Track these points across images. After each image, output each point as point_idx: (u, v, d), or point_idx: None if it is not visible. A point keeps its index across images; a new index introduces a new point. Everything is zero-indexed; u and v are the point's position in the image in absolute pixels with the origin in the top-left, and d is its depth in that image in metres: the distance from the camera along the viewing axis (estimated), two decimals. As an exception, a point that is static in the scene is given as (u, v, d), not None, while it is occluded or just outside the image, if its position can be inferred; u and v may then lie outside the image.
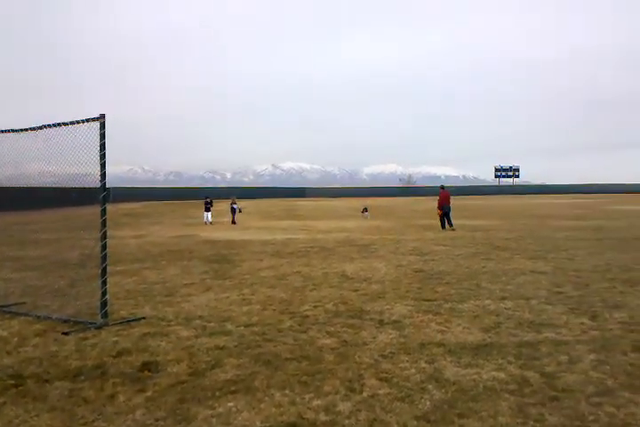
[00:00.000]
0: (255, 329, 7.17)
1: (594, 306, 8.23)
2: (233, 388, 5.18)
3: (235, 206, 28.11)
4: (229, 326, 7.33)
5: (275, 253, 14.88)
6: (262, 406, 4.76)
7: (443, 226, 22.41)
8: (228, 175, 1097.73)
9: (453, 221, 22.61)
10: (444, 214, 22.57)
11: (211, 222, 27.03)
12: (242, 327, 7.26)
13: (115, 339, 6.80)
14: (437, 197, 23.17)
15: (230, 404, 4.82)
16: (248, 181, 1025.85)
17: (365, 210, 31.54)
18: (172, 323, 7.56)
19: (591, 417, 4.39)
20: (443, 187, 24.10)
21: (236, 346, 6.45)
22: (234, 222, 27.06)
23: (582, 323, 7.29)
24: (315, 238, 19.05)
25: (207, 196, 29.09)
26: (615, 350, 6.08)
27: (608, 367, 5.55)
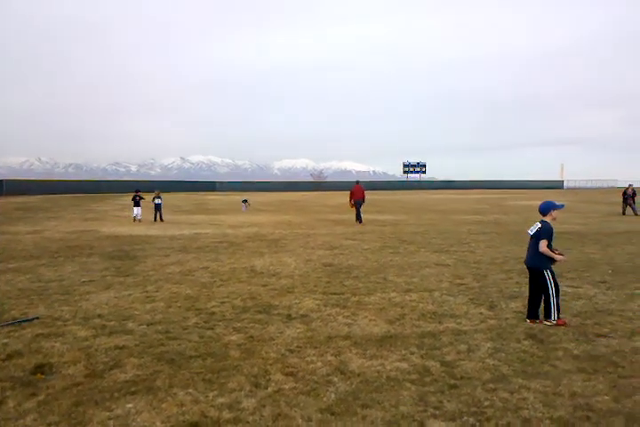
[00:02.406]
0: (158, 327, 6.92)
1: (492, 296, 8.63)
2: (133, 388, 4.97)
3: (158, 202, 24.58)
4: (131, 325, 7.03)
5: (181, 249, 14.49)
6: (163, 405, 4.60)
7: (358, 219, 22.98)
8: (133, 168, 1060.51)
9: (363, 217, 23.11)
10: (358, 208, 23.13)
11: (139, 220, 23.68)
12: (144, 326, 6.99)
13: (4, 341, 6.34)
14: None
15: (129, 405, 4.61)
16: (155, 174, 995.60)
17: (245, 201, 31.54)
18: (69, 323, 7.15)
19: (486, 403, 4.58)
20: (358, 182, 24.95)
21: (137, 345, 6.19)
22: (160, 219, 24.19)
23: (481, 313, 7.62)
24: (224, 233, 18.76)
25: (137, 189, 25.33)
26: (510, 339, 6.40)
27: (503, 355, 5.82)
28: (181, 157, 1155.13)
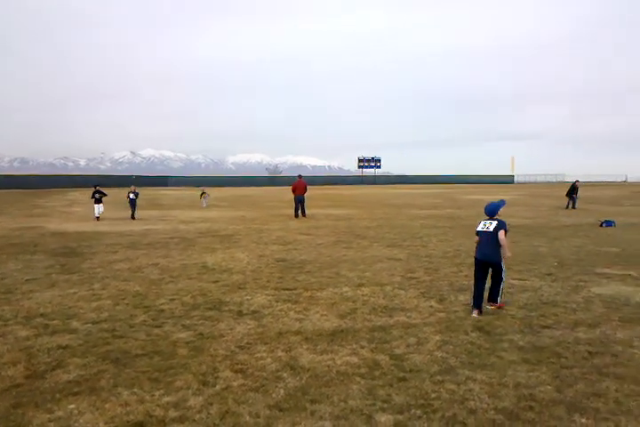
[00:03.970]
0: (104, 326, 6.74)
1: (442, 290, 8.75)
2: (75, 389, 4.82)
3: (133, 197, 22.90)
4: (75, 324, 6.82)
5: (130, 245, 14.16)
6: (107, 406, 4.48)
7: (298, 213, 23.06)
8: (82, 162, 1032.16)
9: (307, 211, 23.29)
10: (299, 203, 23.16)
11: (97, 218, 21.78)
12: (89, 324, 6.80)
13: (-62, 343, 6.06)
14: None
15: (71, 406, 4.48)
16: (105, 168, 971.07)
17: (204, 194, 30.81)
18: (10, 322, 6.90)
19: (434, 395, 4.64)
20: (300, 176, 24.94)
21: (81, 345, 6.02)
22: (133, 217, 22.49)
23: (431, 306, 7.72)
24: (175, 229, 18.45)
25: (97, 184, 23.26)
26: (458, 331, 6.50)
27: (451, 347, 5.91)
28: (132, 152, 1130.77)
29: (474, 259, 7.66)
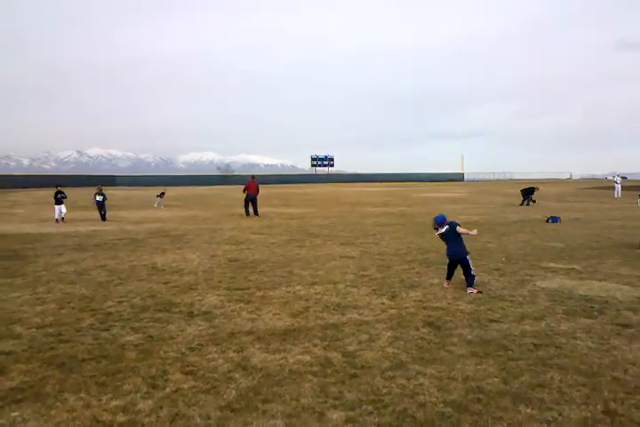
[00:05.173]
0: (49, 330, 6.54)
1: (394, 287, 8.86)
2: (19, 396, 4.68)
3: (99, 199, 21.62)
4: (19, 329, 6.60)
5: (77, 247, 13.75)
6: (52, 412, 4.36)
7: (248, 212, 23.00)
8: (25, 162, 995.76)
9: (260, 210, 23.30)
10: (251, 202, 23.13)
11: (63, 219, 20.63)
12: (33, 329, 6.58)
13: None
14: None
15: (15, 414, 4.35)
16: (49, 168, 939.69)
17: (162, 194, 30.03)
18: (-52, 330, 6.60)
19: (385, 390, 4.69)
20: (253, 177, 25.06)
21: (25, 350, 5.82)
22: (104, 219, 21.35)
23: (383, 303, 7.80)
24: (124, 229, 18.01)
25: (58, 184, 22.01)
26: (409, 327, 6.60)
27: (402, 343, 5.99)
28: (78, 151, 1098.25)
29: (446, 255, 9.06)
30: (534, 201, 29.65)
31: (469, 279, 8.69)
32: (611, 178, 39.97)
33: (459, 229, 8.84)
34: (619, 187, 38.12)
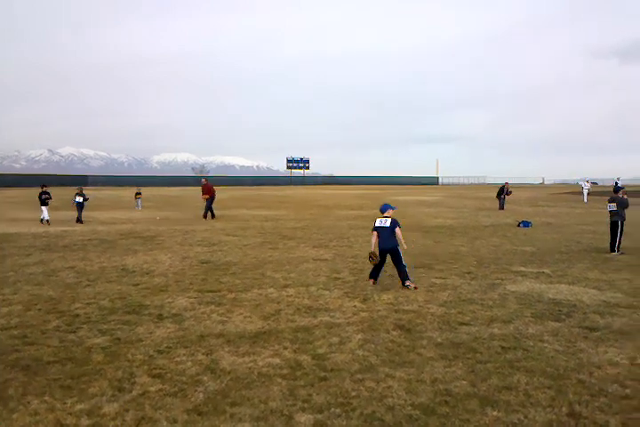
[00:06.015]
0: (14, 332, 6.40)
1: (366, 290, 8.87)
2: (-20, 400, 4.53)
3: (79, 200, 20.83)
4: (-18, 331, 6.43)
5: (45, 247, 13.50)
6: (15, 416, 4.26)
7: (206, 215, 22.81)
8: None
9: (215, 213, 23.24)
10: (209, 205, 23.00)
11: (48, 221, 19.84)
12: (-2, 331, 6.42)
13: None
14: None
15: (-25, 418, 4.21)
16: (20, 167, 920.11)
17: (139, 195, 29.47)
18: None
19: (353, 393, 4.68)
20: (206, 179, 25.51)
21: (-13, 353, 5.67)
22: (80, 220, 20.45)
23: (354, 306, 7.80)
24: (94, 230, 17.75)
25: (44, 184, 21.42)
26: (380, 330, 6.60)
27: (373, 346, 5.99)
28: (50, 150, 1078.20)
29: (377, 249, 9.22)
30: (510, 192, 30.10)
31: (402, 271, 9.09)
32: (581, 183, 40.76)
33: (397, 230, 9.20)
34: (586, 192, 38.86)
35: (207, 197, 23.07)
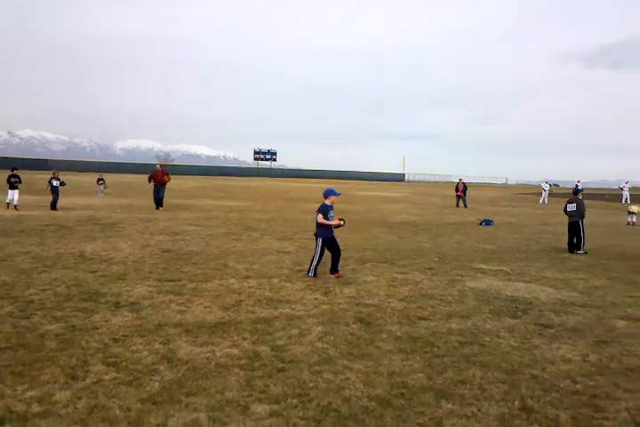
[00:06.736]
0: (-36, 317, 6.19)
1: (328, 282, 8.88)
2: None
3: (56, 184, 19.83)
4: None
5: (1, 232, 13.08)
6: (-38, 403, 4.11)
7: (157, 203, 21.60)
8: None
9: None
10: (158, 194, 21.74)
11: (16, 206, 18.81)
12: (-54, 316, 6.21)
13: None
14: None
15: None
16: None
17: (101, 181, 28.11)
18: None
19: (311, 384, 4.68)
20: (161, 165, 24.20)
21: None
22: (54, 206, 19.33)
23: (316, 298, 7.80)
24: (53, 216, 17.30)
25: (14, 167, 20.19)
26: (340, 322, 6.62)
27: (332, 338, 6.00)
28: (9, 132, 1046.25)
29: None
30: (464, 189, 30.58)
31: (310, 265, 9.28)
32: (542, 185, 41.71)
33: (317, 217, 9.25)
34: (545, 193, 39.77)
35: (155, 185, 21.71)
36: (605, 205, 36.90)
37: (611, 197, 47.11)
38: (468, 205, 30.52)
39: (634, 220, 23.15)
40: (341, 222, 9.41)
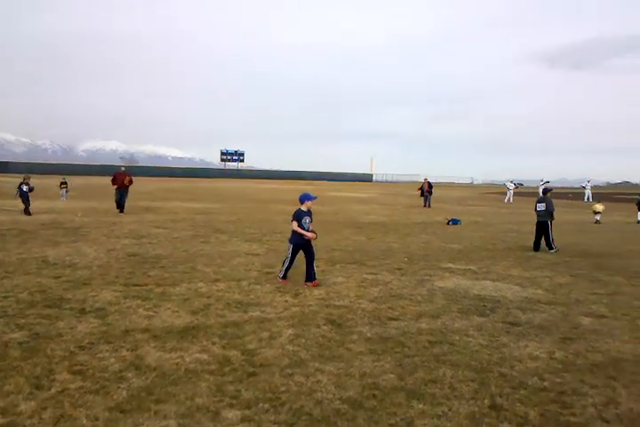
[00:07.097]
0: None
1: (297, 285, 8.84)
2: None
3: (26, 189, 19.11)
4: None
5: (-40, 237, 12.72)
6: None
7: (118, 207, 20.75)
8: None
9: (126, 205, 21.00)
10: (120, 197, 20.89)
11: None
12: None
13: None
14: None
15: None
16: None
17: (64, 184, 27.09)
18: None
19: (282, 388, 4.65)
20: (125, 167, 24.14)
21: None
22: (27, 212, 18.52)
23: (286, 301, 7.77)
24: (14, 220, 16.83)
25: None
26: (311, 324, 6.60)
27: (303, 340, 5.98)
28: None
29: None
30: (429, 188, 30.90)
31: (282, 267, 9.12)
32: (507, 184, 42.46)
33: (292, 225, 9.01)
34: (510, 193, 40.49)
35: (117, 187, 20.88)
36: (569, 204, 37.71)
37: (573, 195, 48.19)
38: (431, 204, 30.82)
39: (598, 218, 23.84)
40: (313, 237, 9.09)
